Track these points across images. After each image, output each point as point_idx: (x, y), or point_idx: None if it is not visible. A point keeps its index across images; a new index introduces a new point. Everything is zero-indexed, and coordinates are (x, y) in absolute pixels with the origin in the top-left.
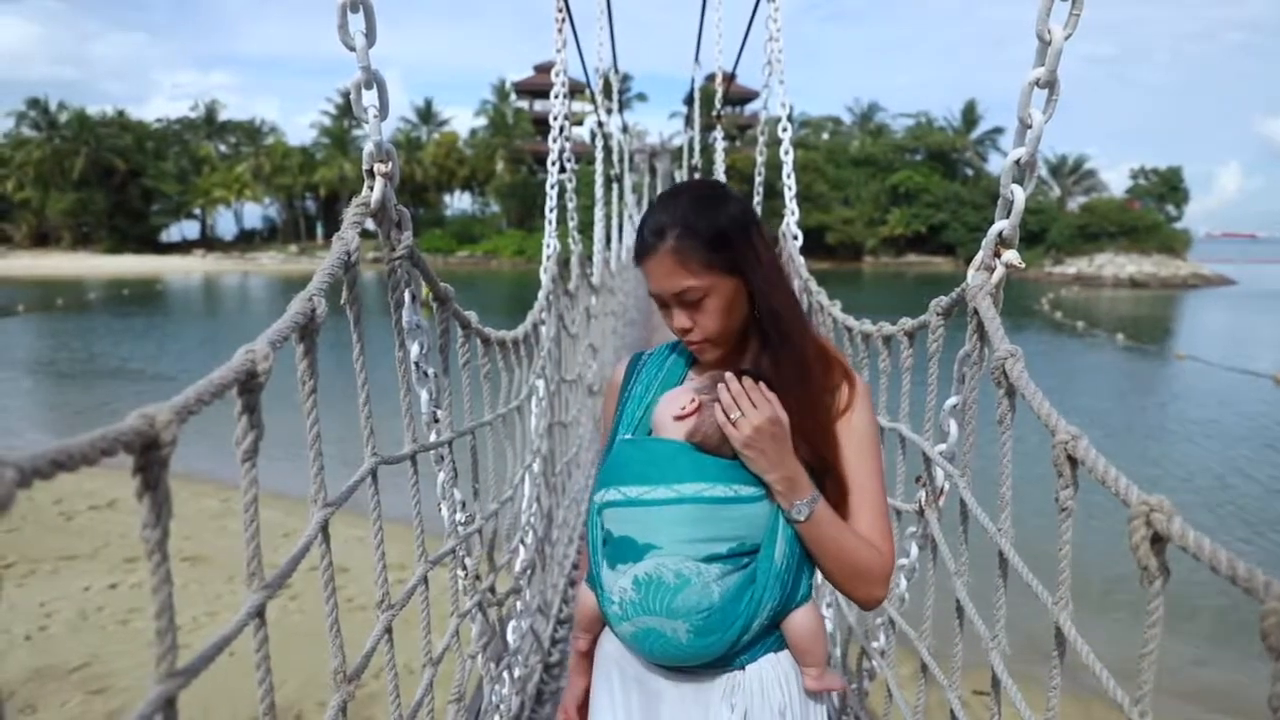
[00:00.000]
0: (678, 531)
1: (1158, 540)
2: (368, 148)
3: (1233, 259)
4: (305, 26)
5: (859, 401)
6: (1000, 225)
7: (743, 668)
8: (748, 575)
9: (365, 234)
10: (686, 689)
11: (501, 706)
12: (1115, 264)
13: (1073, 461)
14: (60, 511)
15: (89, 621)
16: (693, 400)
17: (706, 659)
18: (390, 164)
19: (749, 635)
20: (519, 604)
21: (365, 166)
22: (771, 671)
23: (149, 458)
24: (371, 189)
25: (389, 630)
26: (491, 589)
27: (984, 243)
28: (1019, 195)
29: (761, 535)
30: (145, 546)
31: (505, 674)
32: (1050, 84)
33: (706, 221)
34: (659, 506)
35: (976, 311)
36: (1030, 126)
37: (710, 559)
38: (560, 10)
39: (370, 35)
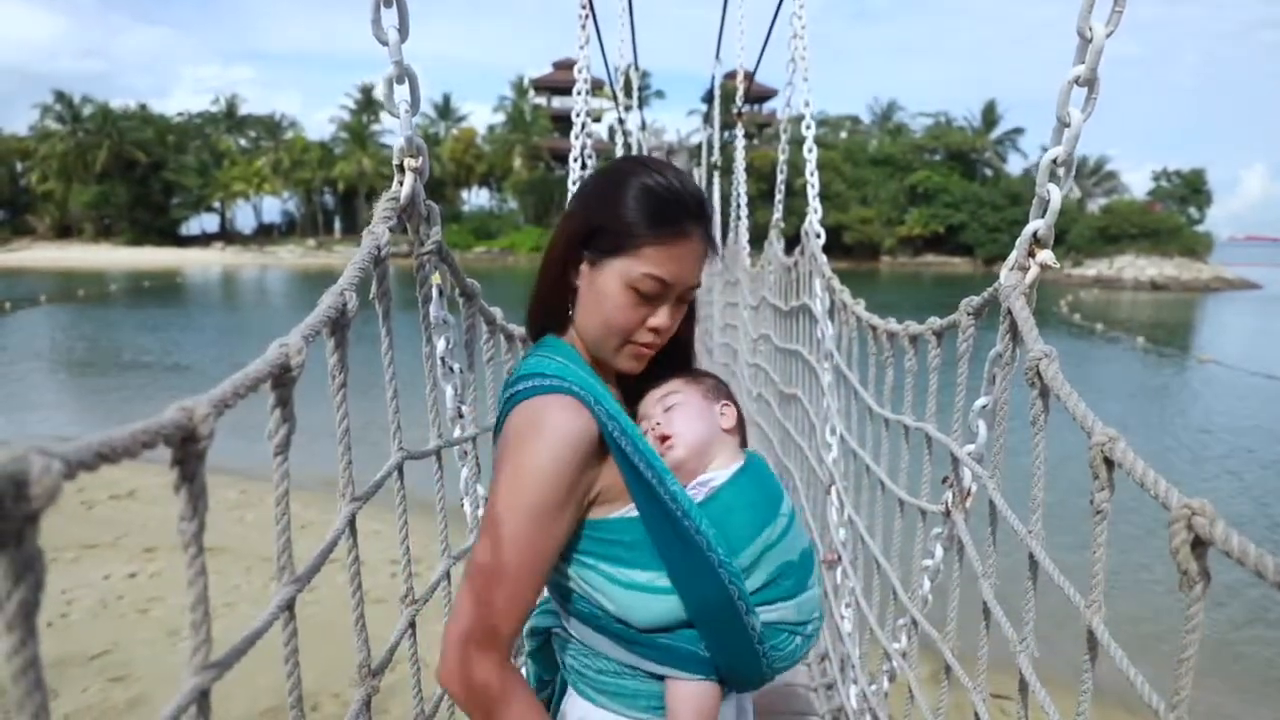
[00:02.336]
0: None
1: (1199, 544)
2: (398, 142)
3: (1257, 262)
4: (328, 22)
5: None
6: (1035, 225)
7: None
8: None
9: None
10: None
11: None
12: (1135, 266)
13: (1109, 464)
14: (82, 501)
15: (109, 609)
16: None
17: None
18: (420, 159)
19: None
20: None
21: (395, 161)
22: None
23: (187, 450)
24: (401, 184)
25: (412, 624)
26: None
27: (1018, 242)
28: (1055, 194)
29: None
30: (182, 539)
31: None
32: (1090, 82)
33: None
34: (789, 518)
35: (1010, 312)
36: (1069, 125)
37: None
38: (584, 7)
39: (403, 30)
